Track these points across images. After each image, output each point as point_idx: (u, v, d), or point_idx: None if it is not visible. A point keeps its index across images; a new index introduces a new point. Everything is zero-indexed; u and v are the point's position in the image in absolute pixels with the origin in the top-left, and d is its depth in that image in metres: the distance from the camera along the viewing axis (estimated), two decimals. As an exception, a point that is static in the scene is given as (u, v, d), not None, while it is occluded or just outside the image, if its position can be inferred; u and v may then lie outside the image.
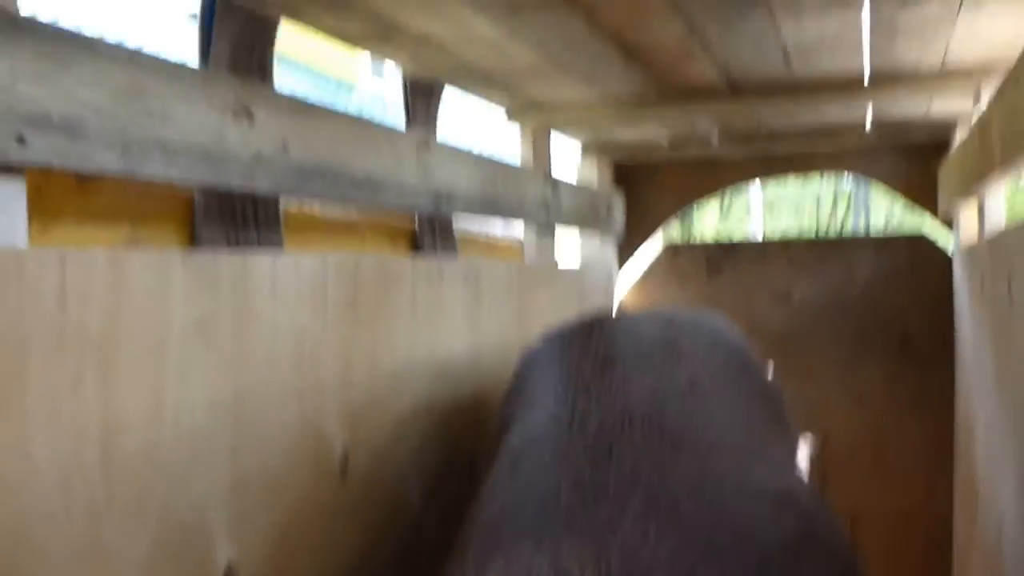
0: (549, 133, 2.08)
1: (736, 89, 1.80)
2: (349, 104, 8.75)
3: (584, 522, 0.86)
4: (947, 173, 2.08)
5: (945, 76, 1.66)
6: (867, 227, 9.72)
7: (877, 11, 1.28)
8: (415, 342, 1.35)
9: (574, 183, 2.15)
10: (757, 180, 2.59)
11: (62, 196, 0.90)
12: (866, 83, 1.72)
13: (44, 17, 0.76)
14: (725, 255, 2.47)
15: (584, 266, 2.30)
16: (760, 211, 10.32)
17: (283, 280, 1.04)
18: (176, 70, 0.89)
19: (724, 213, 10.48)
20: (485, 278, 1.61)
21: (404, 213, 1.52)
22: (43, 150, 0.73)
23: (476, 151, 1.59)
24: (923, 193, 2.26)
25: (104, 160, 0.79)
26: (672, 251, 2.52)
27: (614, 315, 1.44)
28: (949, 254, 2.25)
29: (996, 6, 1.23)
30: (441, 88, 1.61)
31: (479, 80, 1.65)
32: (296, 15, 1.18)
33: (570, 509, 0.89)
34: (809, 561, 0.90)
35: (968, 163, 1.63)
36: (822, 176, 2.59)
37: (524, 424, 1.19)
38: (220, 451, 0.93)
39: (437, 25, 1.28)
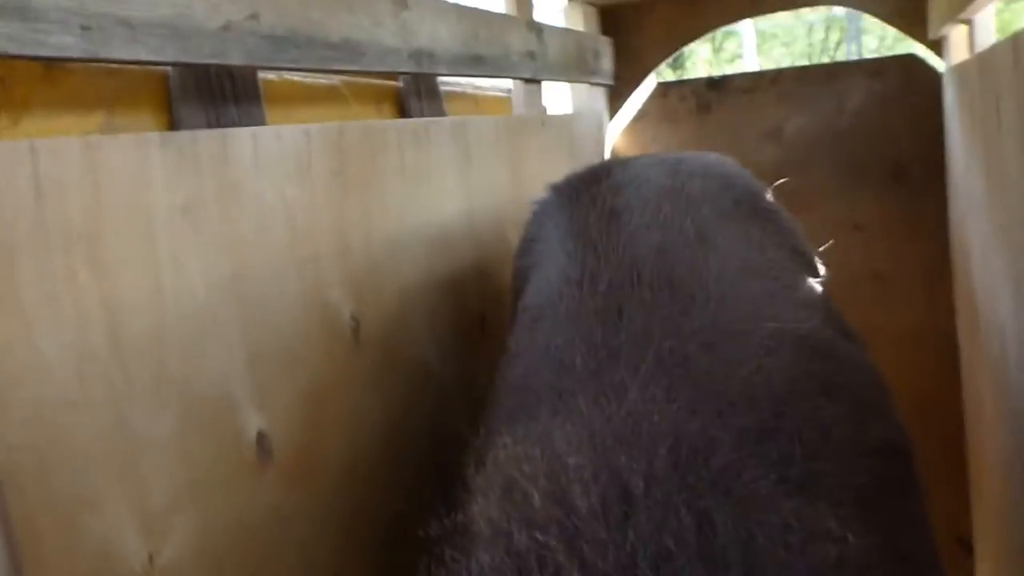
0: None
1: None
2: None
3: (596, 385, 0.87)
4: (937, -6, 2.02)
5: None
6: (860, 54, 9.51)
7: None
8: (408, 205, 1.35)
9: (561, 29, 2.09)
10: (748, 16, 2.52)
11: (29, 86, 0.88)
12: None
13: None
14: (715, 92, 2.43)
15: (574, 114, 2.26)
16: (753, 47, 10.07)
17: (266, 154, 1.03)
18: (132, -58, 0.86)
19: (716, 52, 10.24)
20: (473, 135, 1.59)
21: (385, 75, 1.49)
22: (-4, 36, 0.71)
23: (456, 3, 1.54)
24: (912, 19, 2.19)
25: (62, 43, 0.77)
26: (661, 92, 2.48)
27: (622, 162, 1.42)
28: (939, 72, 2.22)
29: None
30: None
31: (451, -72, 1.58)
32: None
33: (583, 373, 0.91)
34: (831, 408, 0.89)
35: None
36: (812, 8, 2.51)
37: (538, 281, 1.21)
38: (229, 328, 0.94)
39: None
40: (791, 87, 2.37)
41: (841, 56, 9.68)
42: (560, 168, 2.01)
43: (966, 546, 2.15)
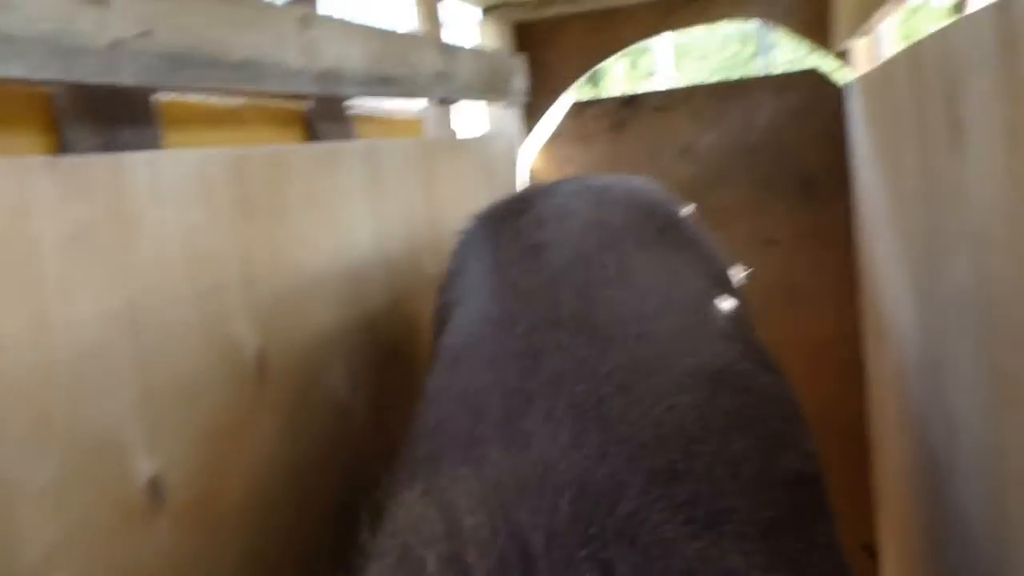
0: (440, -1, 2.00)
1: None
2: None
3: (508, 434, 0.87)
4: (841, 7, 2.07)
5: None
6: (771, 67, 9.76)
7: None
8: (316, 233, 1.32)
9: (473, 49, 2.08)
10: (661, 32, 2.55)
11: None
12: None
13: None
14: (628, 110, 2.45)
15: (488, 135, 2.26)
16: (669, 62, 10.26)
17: (164, 180, 0.99)
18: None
19: (633, 68, 10.40)
20: (384, 159, 1.57)
21: (290, 97, 1.45)
22: None
23: (365, 23, 1.52)
24: (819, 32, 2.25)
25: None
26: (576, 111, 2.50)
27: (546, 190, 1.41)
28: (840, 86, 2.27)
29: None
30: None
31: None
32: None
33: (497, 420, 0.90)
34: (743, 442, 0.90)
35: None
36: (724, 22, 2.56)
37: (460, 320, 1.20)
38: (121, 364, 0.89)
39: None
40: (703, 104, 2.40)
41: (755, 68, 9.91)
42: (475, 191, 1.99)
43: (871, 552, 2.19)
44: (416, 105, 2.00)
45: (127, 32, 0.93)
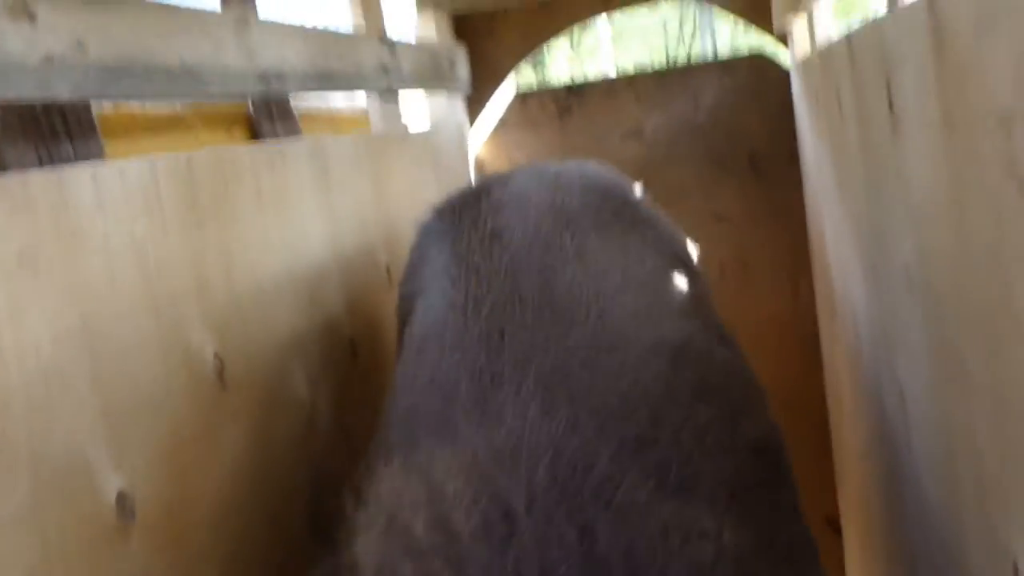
0: (379, -7, 1.99)
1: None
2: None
3: (479, 412, 0.89)
4: (778, -13, 2.09)
5: None
6: (715, 50, 9.83)
7: None
8: (268, 233, 1.31)
9: (413, 42, 2.07)
10: (600, 14, 2.55)
11: None
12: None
13: None
14: (574, 97, 2.46)
15: (434, 127, 2.25)
16: (609, 45, 10.28)
17: (109, 192, 0.97)
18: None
19: (575, 51, 10.41)
20: (332, 155, 1.56)
21: (233, 99, 1.44)
22: None
23: (302, 23, 1.50)
24: (759, 13, 2.27)
25: None
26: (521, 100, 2.50)
27: (502, 179, 1.44)
28: (787, 70, 2.30)
29: None
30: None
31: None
32: None
33: (468, 401, 0.92)
34: (706, 411, 0.93)
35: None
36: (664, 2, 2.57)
37: (424, 308, 1.23)
38: (79, 382, 0.88)
39: None
40: (648, 88, 2.42)
41: (696, 48, 9.97)
42: (425, 182, 1.99)
43: (835, 527, 2.24)
44: (361, 100, 1.99)
45: (59, 47, 0.91)
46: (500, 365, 0.95)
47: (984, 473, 0.67)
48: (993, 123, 0.54)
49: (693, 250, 1.46)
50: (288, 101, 1.57)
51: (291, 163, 1.41)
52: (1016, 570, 0.61)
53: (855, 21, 1.11)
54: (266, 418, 1.23)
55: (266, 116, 1.51)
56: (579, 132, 2.45)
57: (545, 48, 2.59)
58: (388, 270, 1.73)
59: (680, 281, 1.25)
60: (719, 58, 2.47)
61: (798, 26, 2.08)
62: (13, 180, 0.84)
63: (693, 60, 6.75)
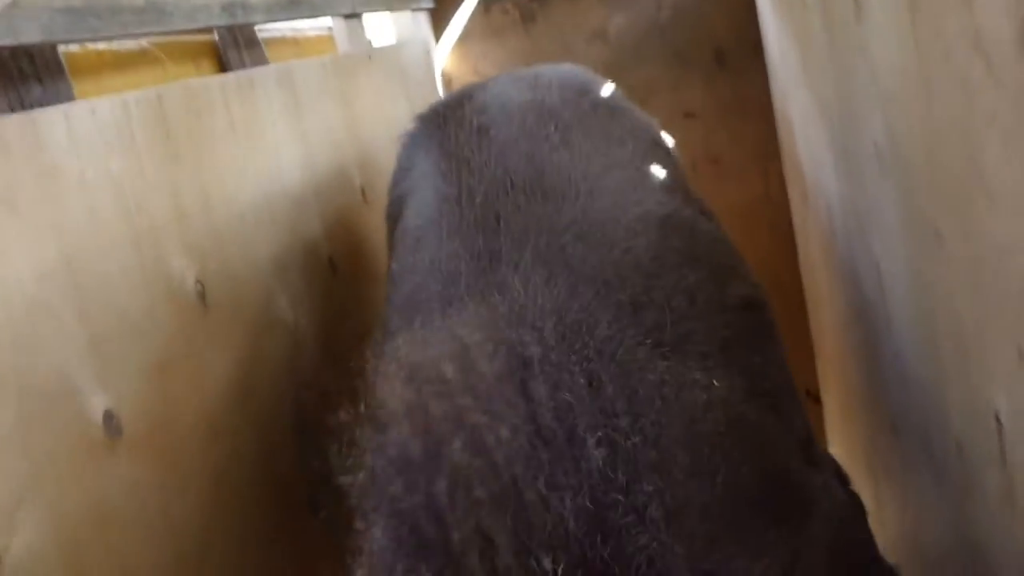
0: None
1: None
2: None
3: (482, 286, 0.95)
4: None
5: None
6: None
7: None
8: (242, 160, 1.31)
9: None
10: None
11: None
12: None
13: None
14: (537, 3, 2.43)
15: (400, 44, 2.23)
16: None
17: (82, 131, 0.98)
18: None
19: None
20: (300, 80, 1.55)
21: (199, 30, 1.42)
22: None
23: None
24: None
25: None
26: (483, 9, 2.47)
27: (482, 85, 1.48)
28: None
29: None
30: None
31: None
32: None
33: (470, 279, 0.98)
34: (695, 275, 0.99)
35: None
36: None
37: (416, 204, 1.27)
38: (65, 313, 0.91)
39: None
40: (610, -11, 2.39)
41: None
42: (394, 99, 1.98)
43: (814, 398, 2.32)
44: (325, 21, 1.96)
45: (25, -10, 0.90)
46: (498, 245, 1.00)
47: (963, 333, 0.71)
48: (956, 0, 0.56)
49: (669, 139, 1.50)
50: (254, 30, 1.55)
51: (260, 91, 1.40)
52: (998, 419, 0.65)
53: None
54: (250, 337, 1.27)
55: (233, 46, 1.50)
56: (544, 38, 2.43)
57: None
58: (363, 190, 1.74)
59: (660, 161, 1.30)
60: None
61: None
62: (-13, 125, 0.84)
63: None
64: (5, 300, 0.83)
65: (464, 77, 2.47)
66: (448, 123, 1.34)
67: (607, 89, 1.49)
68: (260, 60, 1.55)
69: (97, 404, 0.94)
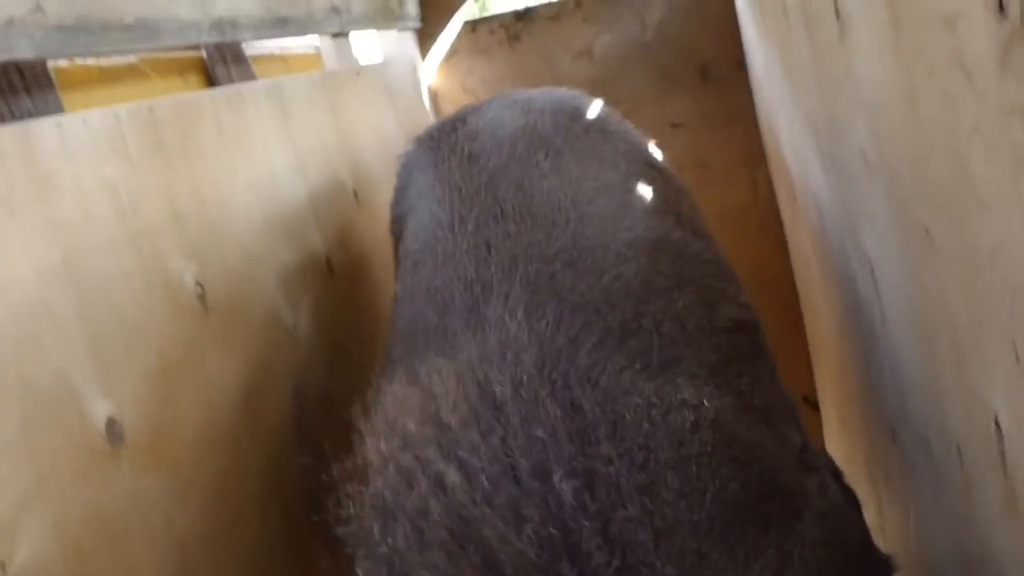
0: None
1: None
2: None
3: (473, 320, 0.97)
4: None
5: None
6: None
7: None
8: (236, 168, 1.32)
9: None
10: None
11: None
12: None
13: None
14: (522, 23, 2.45)
15: (387, 62, 2.24)
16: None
17: (75, 139, 0.99)
18: None
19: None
20: (288, 93, 1.56)
21: (188, 48, 1.43)
22: None
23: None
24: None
25: None
26: (470, 28, 2.48)
27: (476, 109, 1.51)
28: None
29: None
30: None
31: None
32: None
33: (462, 310, 1.00)
34: (684, 299, 1.00)
35: None
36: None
37: (414, 226, 1.31)
38: (65, 315, 0.91)
39: None
40: (594, 10, 2.41)
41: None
42: (382, 113, 1.99)
43: (812, 404, 2.33)
44: (313, 39, 1.98)
45: (19, 10, 0.92)
46: (489, 275, 1.02)
47: (959, 334, 0.71)
48: (938, 22, 0.57)
49: (659, 154, 1.52)
50: (241, 46, 1.56)
51: (250, 103, 1.41)
52: (997, 423, 0.65)
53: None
54: (250, 337, 1.27)
55: (221, 62, 1.50)
56: (530, 56, 2.45)
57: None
58: (355, 193, 1.76)
59: (652, 183, 1.31)
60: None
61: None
62: (-20, 136, 0.84)
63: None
64: (6, 301, 0.84)
65: (451, 93, 2.48)
66: (442, 147, 1.37)
67: (601, 111, 1.51)
68: (248, 76, 1.56)
69: (99, 411, 0.94)
